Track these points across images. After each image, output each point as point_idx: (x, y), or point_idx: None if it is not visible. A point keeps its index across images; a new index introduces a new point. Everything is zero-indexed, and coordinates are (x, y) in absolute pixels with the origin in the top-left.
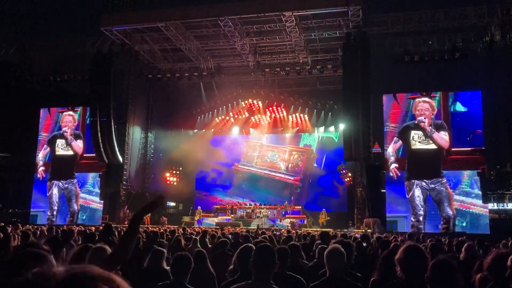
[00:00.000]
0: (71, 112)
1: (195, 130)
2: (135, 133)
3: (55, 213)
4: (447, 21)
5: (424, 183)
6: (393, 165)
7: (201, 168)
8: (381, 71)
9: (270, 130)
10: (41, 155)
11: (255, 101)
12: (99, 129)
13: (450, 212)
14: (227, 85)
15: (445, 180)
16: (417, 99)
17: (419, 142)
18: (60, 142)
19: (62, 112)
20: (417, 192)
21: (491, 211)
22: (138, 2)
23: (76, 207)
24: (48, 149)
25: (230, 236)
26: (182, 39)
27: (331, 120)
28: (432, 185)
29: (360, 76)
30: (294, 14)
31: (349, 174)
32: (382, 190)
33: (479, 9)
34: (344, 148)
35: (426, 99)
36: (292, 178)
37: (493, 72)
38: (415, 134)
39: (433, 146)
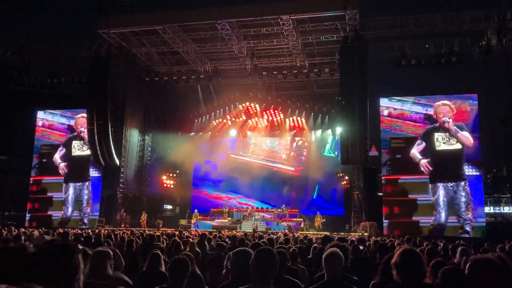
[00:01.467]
0: (84, 114)
1: (193, 133)
2: (132, 136)
3: (69, 214)
4: (444, 25)
5: (449, 185)
6: (423, 161)
7: (195, 161)
8: (378, 75)
9: (267, 133)
10: (58, 155)
11: (252, 104)
12: (96, 132)
13: (468, 216)
14: (224, 88)
15: (466, 184)
16: (436, 103)
17: (444, 143)
18: (76, 144)
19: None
20: (442, 195)
21: (487, 214)
22: (136, 5)
23: (88, 210)
24: (64, 150)
25: (227, 239)
26: (180, 42)
27: (328, 123)
28: (455, 188)
29: (357, 79)
30: (291, 17)
31: (346, 178)
32: (378, 194)
33: (475, 14)
34: (341, 152)
35: (446, 102)
36: (292, 169)
37: (490, 76)
38: (439, 136)
39: (457, 146)
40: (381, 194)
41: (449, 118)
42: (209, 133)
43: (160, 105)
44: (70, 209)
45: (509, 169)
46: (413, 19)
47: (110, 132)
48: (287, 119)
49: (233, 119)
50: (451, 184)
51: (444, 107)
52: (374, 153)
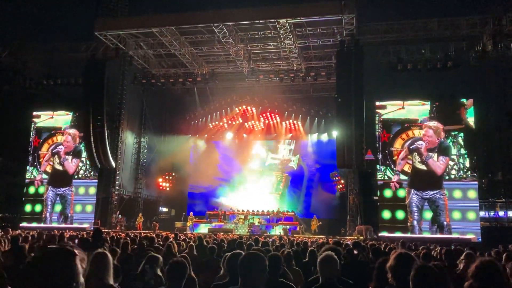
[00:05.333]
0: (73, 130)
1: (189, 136)
2: (128, 138)
3: (48, 215)
4: (440, 31)
5: (420, 193)
6: (395, 178)
7: (191, 163)
8: (374, 79)
9: (263, 136)
10: (43, 167)
11: (249, 107)
12: (92, 134)
13: (444, 222)
14: (221, 91)
15: (443, 192)
16: (426, 123)
17: (419, 162)
18: (57, 157)
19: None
20: (414, 198)
21: (482, 219)
22: (133, 7)
23: (69, 213)
24: (50, 154)
25: (222, 242)
26: (177, 45)
27: (324, 127)
28: (429, 196)
29: (353, 83)
30: (288, 21)
31: (342, 181)
32: (374, 197)
33: (471, 19)
34: (337, 155)
35: (433, 124)
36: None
37: (485, 81)
38: (415, 154)
39: (430, 168)
40: (377, 198)
41: (426, 143)
42: (206, 135)
43: (156, 107)
44: (49, 210)
45: (504, 174)
46: (409, 24)
47: (106, 134)
48: (283, 123)
49: (230, 122)
50: (425, 193)
51: (428, 130)
52: (370, 157)
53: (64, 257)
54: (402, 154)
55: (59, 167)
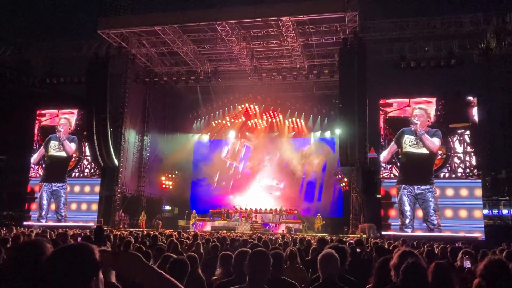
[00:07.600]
0: (67, 116)
1: (192, 134)
2: (131, 136)
3: (43, 214)
4: (443, 28)
5: (411, 189)
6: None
7: (194, 161)
8: (377, 77)
9: (266, 134)
10: (36, 156)
11: (251, 106)
12: (95, 132)
13: (435, 221)
14: (224, 89)
15: (434, 188)
16: (413, 106)
17: (410, 145)
18: (53, 144)
19: (58, 116)
20: (404, 197)
21: (486, 217)
22: (136, 6)
23: (63, 211)
24: (43, 150)
25: (224, 240)
26: (179, 43)
27: (327, 125)
28: (419, 191)
29: (356, 81)
30: (291, 19)
31: (345, 179)
32: (377, 196)
33: (475, 17)
34: (340, 153)
35: (424, 106)
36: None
37: (489, 79)
38: (407, 138)
39: (423, 151)
40: (380, 196)
41: (417, 120)
42: (208, 134)
43: (159, 105)
44: (44, 209)
45: (508, 172)
46: (412, 21)
47: (109, 133)
48: (286, 121)
49: (232, 120)
50: (415, 187)
51: (419, 110)
52: (373, 155)
53: (84, 251)
54: (388, 149)
55: (56, 153)
